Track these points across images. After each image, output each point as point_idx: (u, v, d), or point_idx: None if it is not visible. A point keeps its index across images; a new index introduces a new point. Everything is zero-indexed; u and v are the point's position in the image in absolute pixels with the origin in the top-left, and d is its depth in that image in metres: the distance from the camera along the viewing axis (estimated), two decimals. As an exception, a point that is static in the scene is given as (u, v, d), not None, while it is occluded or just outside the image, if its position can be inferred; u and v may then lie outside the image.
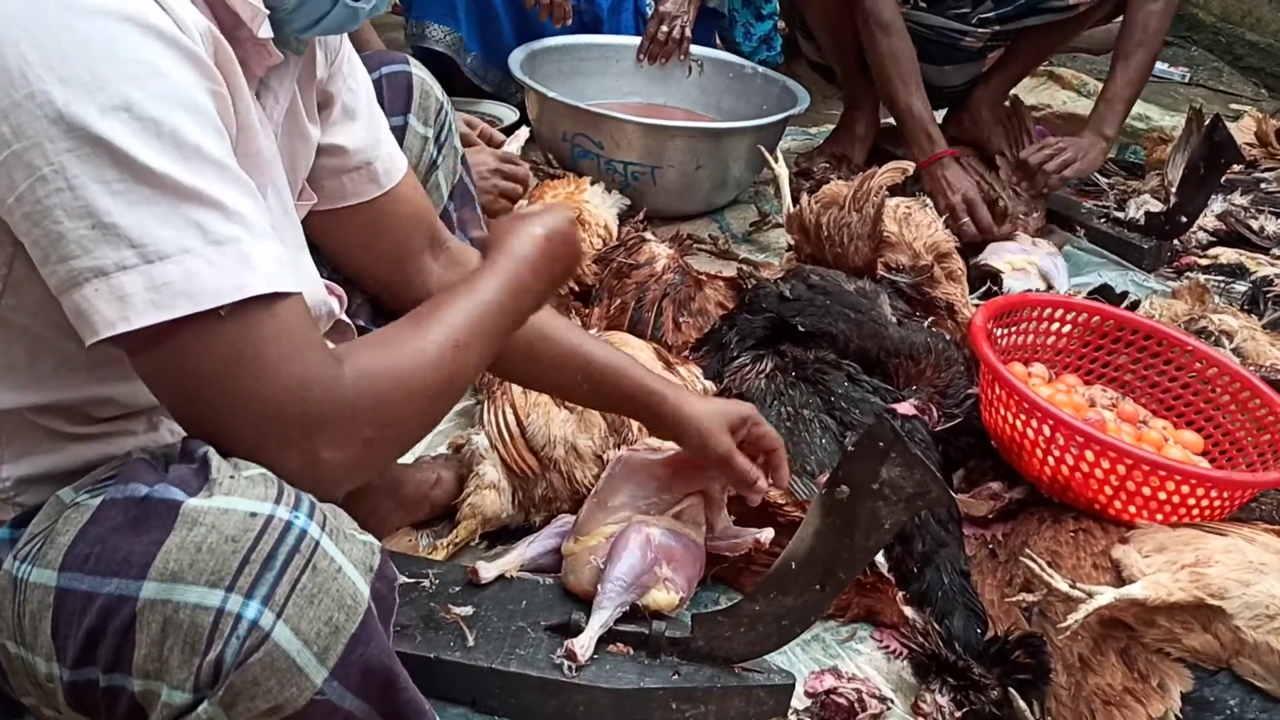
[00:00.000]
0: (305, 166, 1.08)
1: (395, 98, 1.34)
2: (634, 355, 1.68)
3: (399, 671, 0.85)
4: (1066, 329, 1.79)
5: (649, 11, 2.98)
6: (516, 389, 1.56)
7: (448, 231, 1.28)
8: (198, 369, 0.78)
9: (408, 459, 1.62)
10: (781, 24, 3.56)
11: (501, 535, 1.52)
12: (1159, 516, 1.43)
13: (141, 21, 0.74)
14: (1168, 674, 1.26)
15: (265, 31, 0.86)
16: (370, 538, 0.86)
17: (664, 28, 2.85)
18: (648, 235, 2.00)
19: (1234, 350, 2.16)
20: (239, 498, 0.79)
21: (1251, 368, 2.10)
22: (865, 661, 1.44)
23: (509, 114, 2.85)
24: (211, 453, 0.85)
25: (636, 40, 2.91)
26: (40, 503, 0.86)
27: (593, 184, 2.24)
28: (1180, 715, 1.23)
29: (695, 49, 2.93)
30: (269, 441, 0.81)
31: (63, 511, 0.82)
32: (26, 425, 0.90)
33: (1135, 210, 2.85)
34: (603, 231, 2.12)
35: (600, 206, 2.15)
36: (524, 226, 1.04)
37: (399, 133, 1.34)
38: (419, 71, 1.38)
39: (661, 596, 1.32)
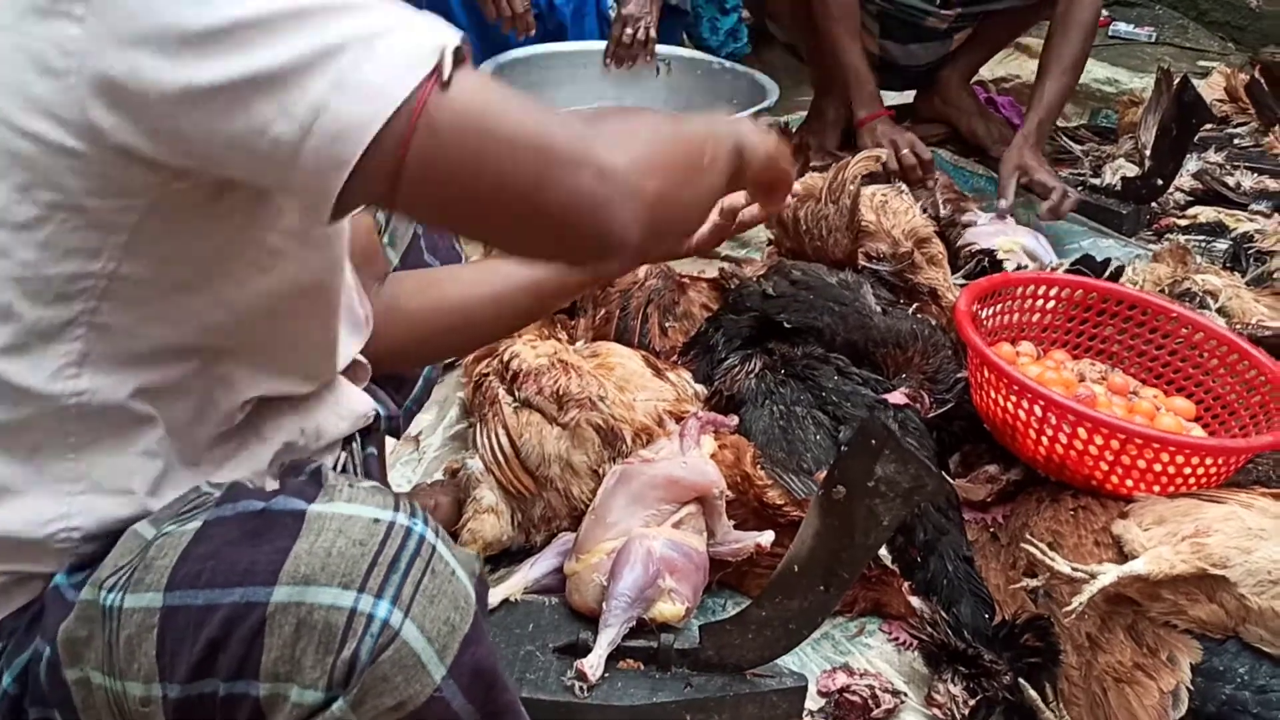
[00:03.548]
0: None
1: None
2: (623, 363, 1.70)
3: (501, 672, 0.87)
4: (1051, 305, 1.79)
5: (612, 15, 2.98)
6: (508, 410, 1.56)
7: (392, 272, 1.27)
8: (460, 138, 0.75)
9: (404, 488, 1.62)
10: (746, 14, 3.56)
11: (503, 558, 1.52)
12: (1156, 488, 1.43)
13: None
14: (1176, 646, 1.26)
15: None
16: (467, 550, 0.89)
17: (628, 30, 2.85)
18: (627, 242, 1.99)
19: (1219, 309, 2.17)
20: (361, 505, 0.82)
21: (1237, 326, 2.11)
22: (876, 655, 1.45)
23: (480, 128, 2.83)
24: (325, 465, 0.90)
25: (602, 45, 2.90)
26: (97, 551, 0.87)
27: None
28: (1191, 687, 1.23)
29: (661, 49, 2.93)
30: (558, 168, 0.77)
31: (150, 541, 0.83)
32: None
33: (1111, 176, 2.85)
34: None
35: None
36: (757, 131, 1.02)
37: None
38: None
39: (668, 608, 1.32)
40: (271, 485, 1.01)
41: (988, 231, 2.41)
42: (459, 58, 0.75)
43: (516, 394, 1.60)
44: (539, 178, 0.77)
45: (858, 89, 2.67)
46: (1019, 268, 2.29)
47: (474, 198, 0.78)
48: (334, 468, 1.11)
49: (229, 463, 0.96)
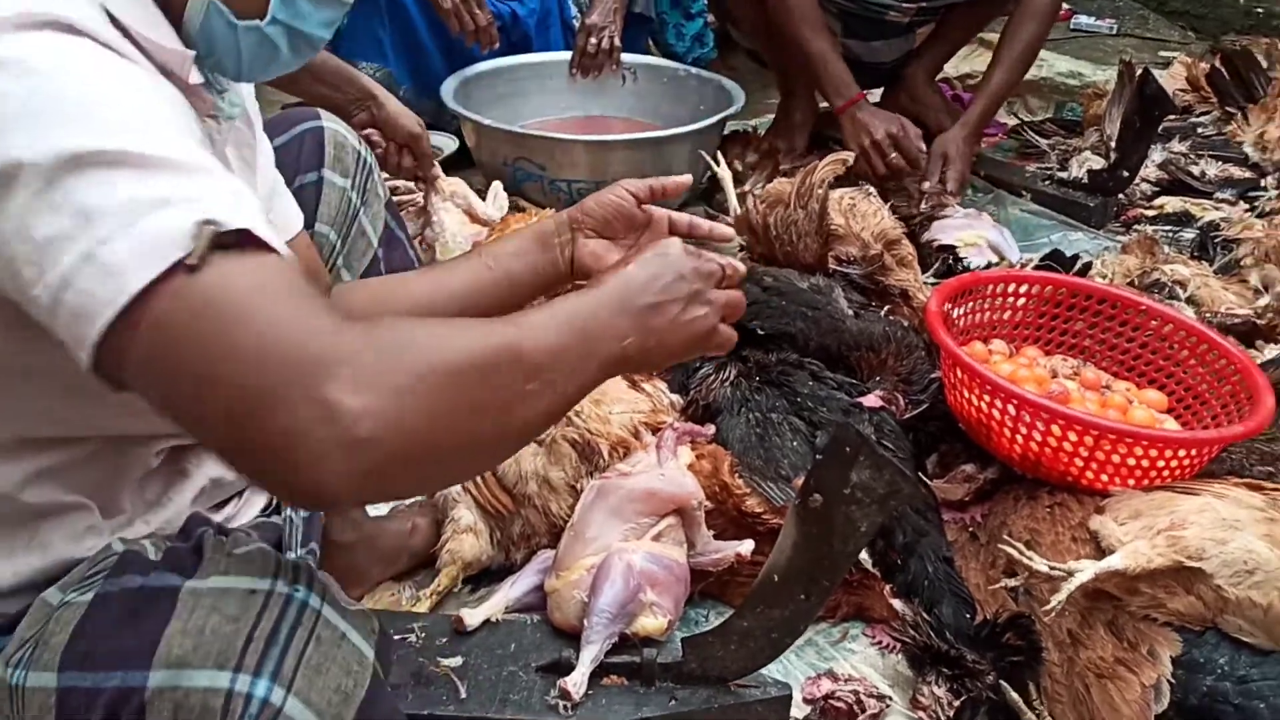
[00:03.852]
0: None
1: (310, 154, 1.34)
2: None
3: None
4: (1021, 302, 1.80)
5: (577, 25, 2.98)
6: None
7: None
8: (186, 337, 0.68)
9: (382, 509, 1.61)
10: (711, 19, 3.56)
11: (484, 577, 1.52)
12: (1131, 482, 1.44)
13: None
14: (1156, 640, 1.27)
15: (195, 77, 0.87)
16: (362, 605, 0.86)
17: (593, 40, 2.85)
18: (598, 255, 1.99)
19: (1188, 299, 2.19)
20: (236, 576, 0.80)
21: (1206, 314, 2.13)
22: (860, 660, 1.45)
23: (449, 143, 2.83)
24: (208, 534, 0.86)
25: (567, 55, 2.90)
26: (23, 610, 0.86)
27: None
28: (1172, 680, 1.24)
29: (627, 57, 2.93)
30: (277, 396, 0.67)
31: (52, 613, 0.82)
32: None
33: (1078, 169, 2.88)
34: None
35: None
36: (666, 253, 0.95)
37: (315, 187, 1.33)
38: (332, 125, 1.37)
39: (650, 622, 1.31)
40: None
41: (952, 225, 2.44)
42: (227, 242, 0.70)
43: (491, 411, 1.59)
44: (255, 402, 0.67)
45: (829, 77, 2.61)
46: (989, 265, 2.31)
47: (188, 402, 0.70)
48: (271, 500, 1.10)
49: (156, 505, 0.95)
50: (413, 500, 1.64)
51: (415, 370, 0.71)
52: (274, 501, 1.15)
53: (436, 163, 2.22)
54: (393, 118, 2.01)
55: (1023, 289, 1.80)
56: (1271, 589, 1.23)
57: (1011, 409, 1.47)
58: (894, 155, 2.53)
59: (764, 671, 1.30)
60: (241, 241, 0.71)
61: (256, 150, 1.06)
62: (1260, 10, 4.13)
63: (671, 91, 2.90)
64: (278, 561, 0.82)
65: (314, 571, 0.83)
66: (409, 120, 2.04)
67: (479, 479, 1.52)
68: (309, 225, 1.31)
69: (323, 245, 1.35)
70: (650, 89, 2.93)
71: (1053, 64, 3.74)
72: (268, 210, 1.09)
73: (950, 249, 2.35)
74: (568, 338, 0.83)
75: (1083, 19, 4.39)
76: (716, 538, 1.47)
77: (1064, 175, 2.89)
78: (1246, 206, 2.64)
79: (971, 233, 2.42)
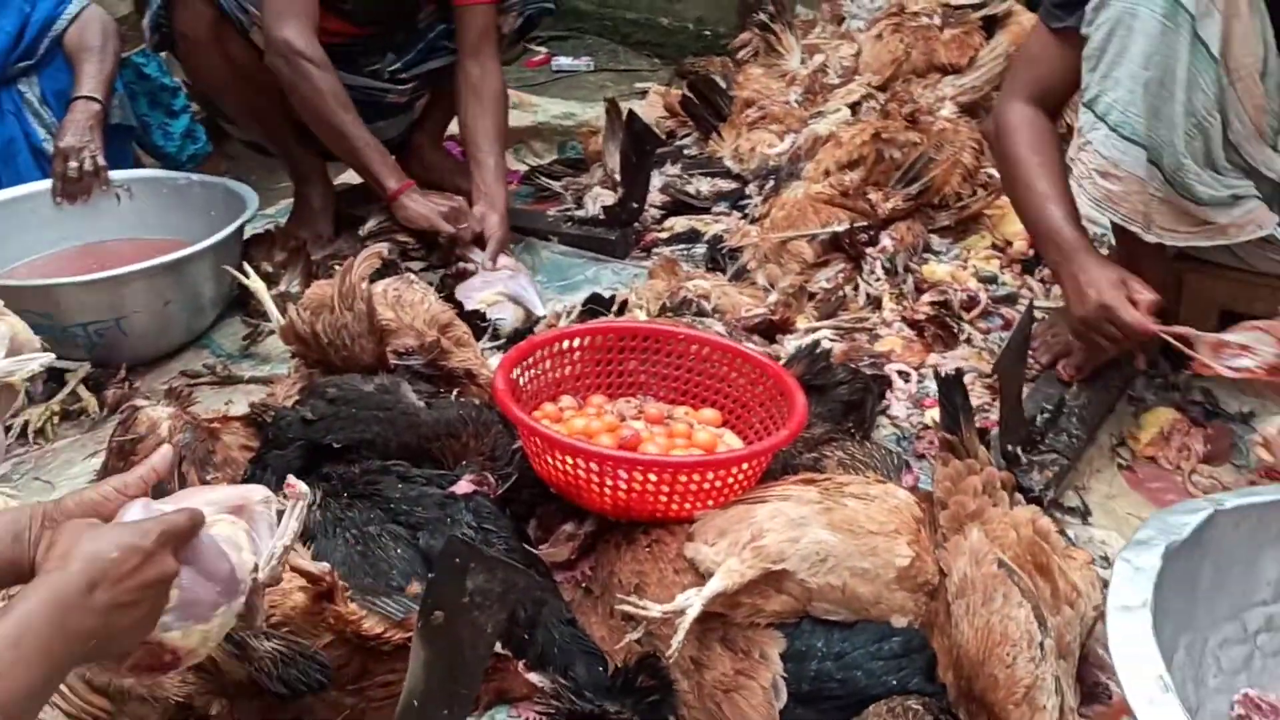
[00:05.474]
0: None
1: None
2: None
3: None
4: (578, 355, 1.90)
5: (48, 148, 2.71)
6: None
7: None
8: None
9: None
10: (196, 108, 3.40)
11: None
12: (710, 503, 1.57)
13: None
14: (764, 642, 1.41)
15: None
16: None
17: (72, 164, 2.60)
18: (139, 401, 1.84)
19: (714, 309, 2.41)
20: None
21: (732, 320, 2.36)
22: (513, 745, 1.47)
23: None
24: None
25: (47, 183, 2.64)
26: None
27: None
28: (785, 675, 1.37)
29: (116, 174, 2.71)
30: None
31: None
32: None
33: (593, 206, 3.07)
34: None
35: None
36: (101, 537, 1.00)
37: None
38: None
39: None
40: None
41: (471, 288, 2.53)
42: None
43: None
44: None
45: (382, 163, 2.70)
46: (529, 328, 2.41)
47: None
48: None
49: None
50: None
51: None
52: None
53: None
54: None
55: (576, 343, 1.90)
56: (843, 570, 1.41)
57: (594, 466, 1.55)
58: (464, 227, 2.67)
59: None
60: None
61: None
62: (709, 33, 4.63)
63: (175, 203, 2.71)
64: None
65: None
66: None
67: (65, 690, 1.35)
68: None
69: None
70: (152, 204, 2.72)
71: (546, 108, 3.96)
72: None
73: (478, 313, 2.43)
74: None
75: (562, 60, 4.70)
76: (342, 667, 1.42)
77: (582, 213, 3.07)
78: (740, 215, 2.95)
79: (490, 291, 2.52)
